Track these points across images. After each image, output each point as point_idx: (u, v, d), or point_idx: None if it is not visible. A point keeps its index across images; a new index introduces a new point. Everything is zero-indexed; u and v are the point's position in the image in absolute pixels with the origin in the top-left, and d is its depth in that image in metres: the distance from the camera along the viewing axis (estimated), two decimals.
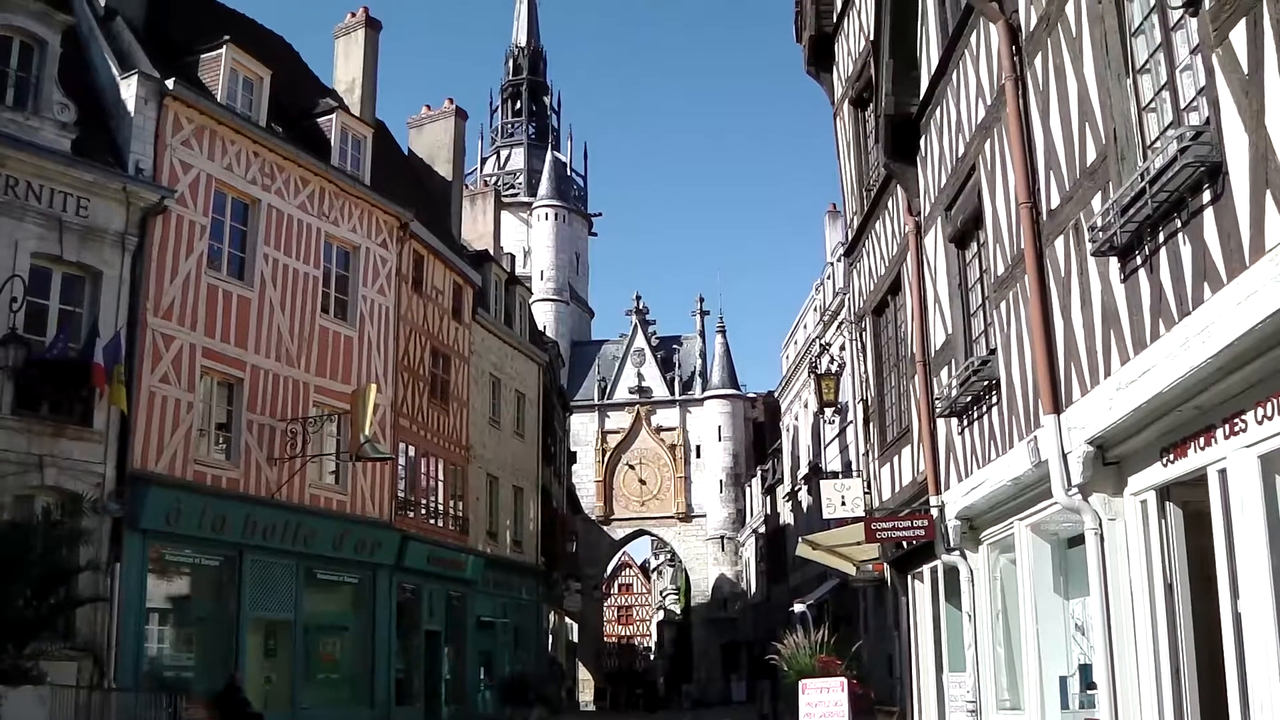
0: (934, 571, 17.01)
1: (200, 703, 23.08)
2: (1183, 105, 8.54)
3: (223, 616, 26.70)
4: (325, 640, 30.96)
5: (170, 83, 25.37)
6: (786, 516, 55.73)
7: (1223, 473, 8.24)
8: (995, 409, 13.14)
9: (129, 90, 24.94)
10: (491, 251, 47.69)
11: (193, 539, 25.58)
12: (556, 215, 79.23)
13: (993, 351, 13.20)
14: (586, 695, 70.11)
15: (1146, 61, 9.19)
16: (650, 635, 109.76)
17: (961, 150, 14.24)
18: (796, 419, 53.62)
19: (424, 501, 35.91)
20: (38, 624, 18.64)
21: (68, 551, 19.91)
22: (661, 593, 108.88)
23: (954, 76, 14.46)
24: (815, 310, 47.86)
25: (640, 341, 77.19)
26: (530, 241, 79.36)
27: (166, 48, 27.11)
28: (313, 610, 29.80)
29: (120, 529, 23.11)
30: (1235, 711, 8.02)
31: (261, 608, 27.69)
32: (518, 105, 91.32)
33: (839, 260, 37.07)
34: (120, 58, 25.54)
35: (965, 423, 14.54)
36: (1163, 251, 8.59)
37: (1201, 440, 8.54)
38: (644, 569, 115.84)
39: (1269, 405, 7.57)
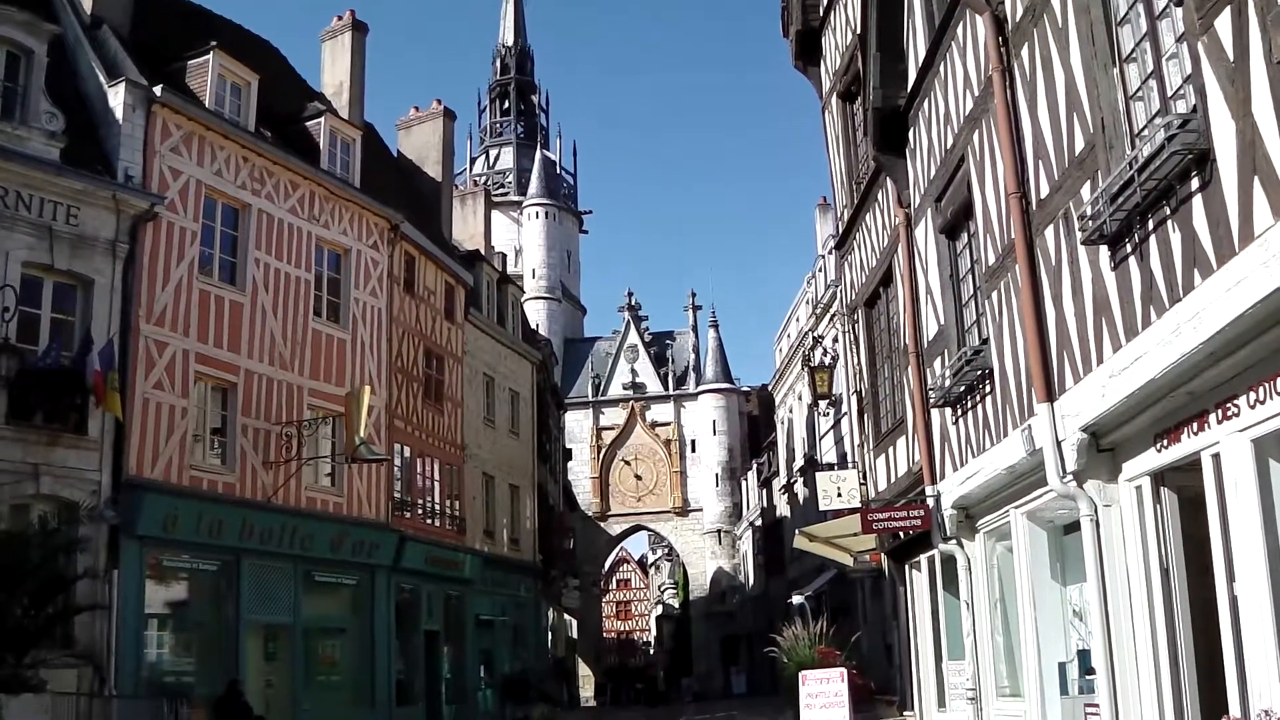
0: (931, 561, 17.06)
1: (201, 708, 23.08)
2: (1169, 93, 8.58)
3: (222, 621, 26.69)
4: (325, 642, 30.97)
5: (158, 90, 25.34)
6: (783, 509, 55.81)
7: (1216, 457, 8.28)
8: (989, 398, 13.19)
9: (117, 98, 24.91)
10: (483, 251, 47.67)
11: (190, 544, 25.55)
12: (547, 214, 79.20)
13: (985, 341, 13.24)
14: (587, 691, 70.13)
15: (1133, 50, 9.23)
16: (649, 630, 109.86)
17: (950, 142, 14.28)
18: (791, 412, 53.69)
19: (420, 502, 35.91)
20: (37, 632, 18.65)
21: (65, 560, 19.93)
22: (660, 587, 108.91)
23: (941, 69, 14.50)
24: (807, 303, 47.92)
25: (633, 337, 77.17)
26: (521, 240, 79.29)
27: (153, 55, 27.06)
28: (312, 613, 29.79)
29: (117, 536, 23.09)
30: (1233, 694, 8.07)
31: (260, 611, 27.68)
32: (506, 105, 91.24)
33: (830, 253, 37.11)
34: (107, 66, 25.50)
35: (959, 412, 14.59)
36: (1152, 239, 8.64)
37: (1194, 425, 8.59)
38: (642, 564, 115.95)
39: (1261, 389, 7.62)
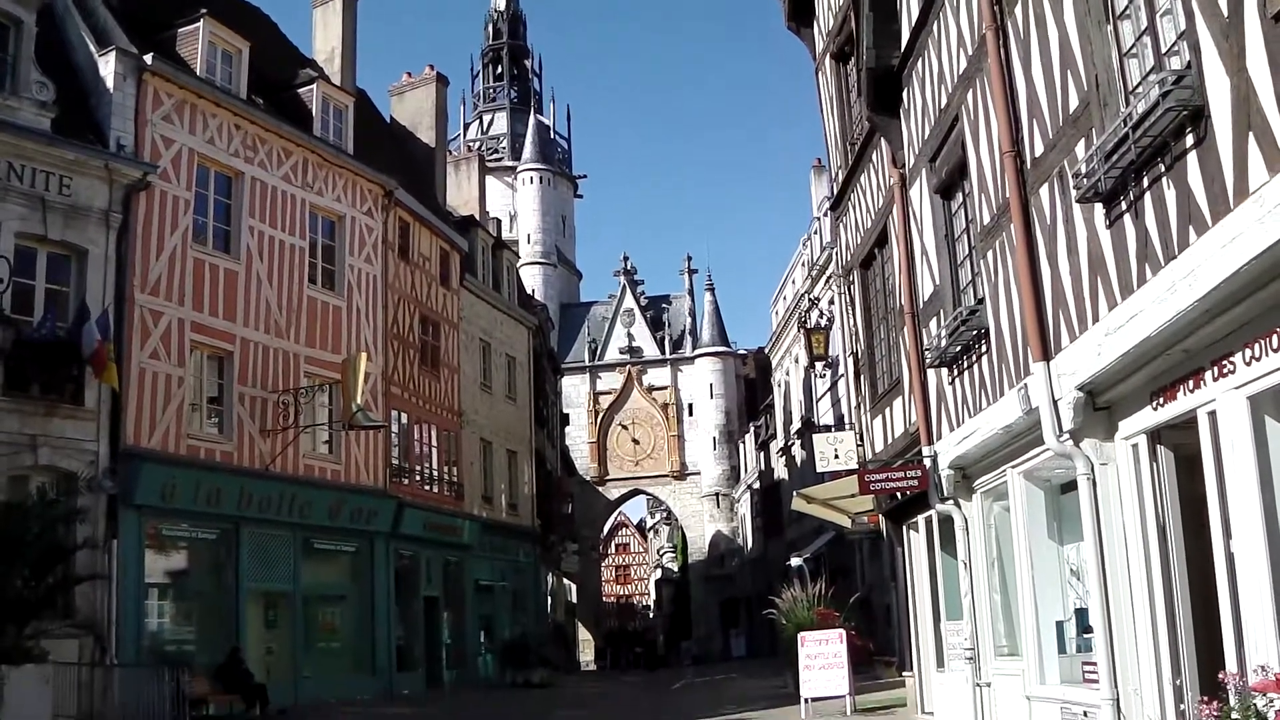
0: (929, 521, 17.09)
1: (203, 676, 23.17)
2: (1164, 50, 8.53)
3: (222, 589, 26.80)
4: (325, 609, 31.09)
5: (149, 58, 25.23)
6: (780, 472, 55.92)
7: (1212, 414, 8.28)
8: (985, 358, 13.19)
9: (107, 67, 24.79)
10: (477, 217, 47.60)
11: (188, 513, 25.63)
12: (541, 179, 78.93)
13: (981, 301, 13.23)
14: (587, 655, 70.35)
15: (1126, 7, 9.18)
16: (649, 594, 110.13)
17: (944, 101, 14.23)
18: (788, 374, 53.73)
19: (418, 468, 35.96)
20: (37, 603, 18.68)
21: (64, 530, 19.97)
22: (659, 551, 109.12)
23: (934, 27, 14.44)
24: (803, 265, 47.91)
25: (629, 302, 77.00)
26: (516, 206, 79.07)
27: (143, 23, 26.89)
28: (311, 580, 29.90)
29: (116, 506, 23.15)
30: (1230, 650, 8.09)
31: (260, 579, 27.79)
32: (499, 70, 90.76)
33: (825, 215, 37.12)
34: (97, 34, 25.38)
35: (955, 372, 14.59)
36: (1147, 196, 8.61)
37: (1190, 383, 8.59)
38: (640, 528, 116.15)
39: (1257, 346, 7.61)
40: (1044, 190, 10.76)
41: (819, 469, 28.15)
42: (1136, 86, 8.93)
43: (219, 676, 23.78)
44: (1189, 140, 7.93)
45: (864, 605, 28.70)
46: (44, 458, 21.93)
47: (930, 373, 15.83)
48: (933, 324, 15.42)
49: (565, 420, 68.64)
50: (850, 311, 24.17)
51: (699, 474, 73.27)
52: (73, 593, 20.77)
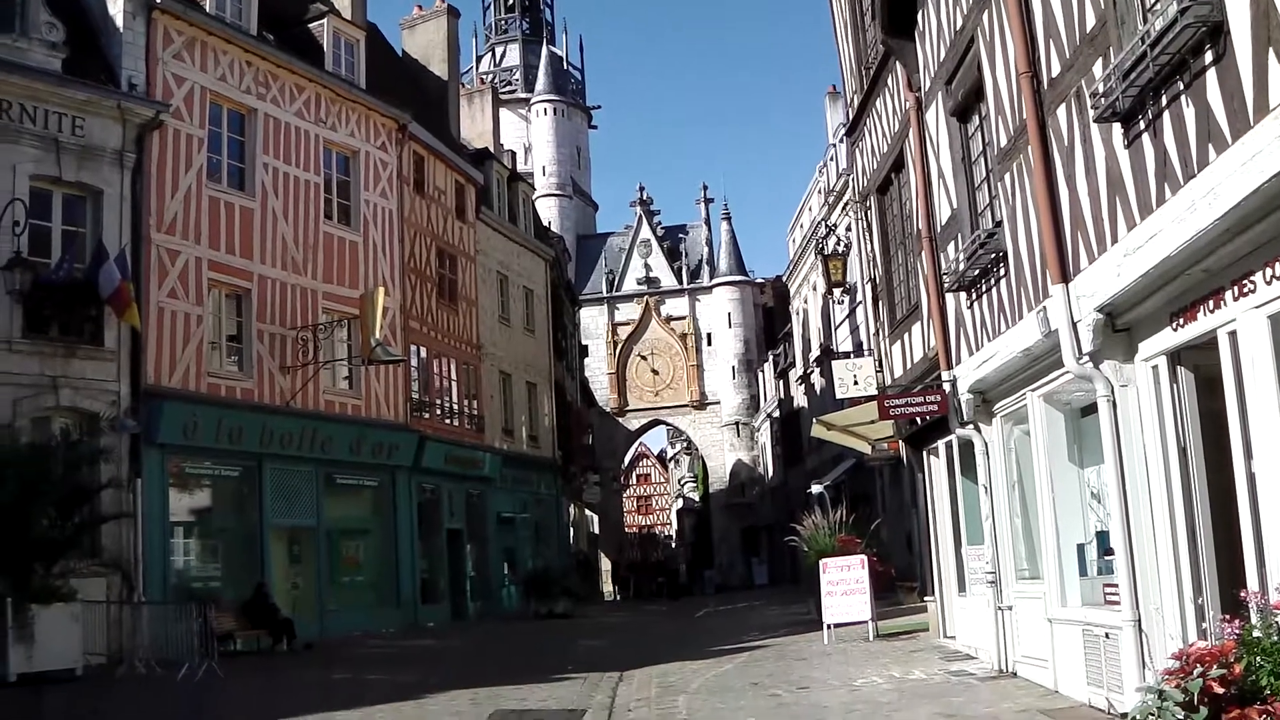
0: (949, 446, 17.07)
1: (229, 611, 23.40)
2: None
3: (246, 526, 27.05)
4: (348, 544, 31.38)
5: None
6: (800, 400, 55.96)
7: (1233, 334, 8.22)
8: (1003, 281, 13.11)
9: (116, 6, 24.67)
10: (492, 150, 47.48)
11: (211, 451, 25.82)
12: (555, 110, 78.53)
13: (998, 224, 13.14)
14: (610, 585, 70.84)
15: None
16: (670, 524, 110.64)
17: (960, 23, 14.07)
18: (806, 302, 53.65)
19: (439, 402, 36.12)
20: (64, 543, 18.90)
21: (88, 470, 20.10)
22: (679, 481, 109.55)
23: None
24: (820, 192, 47.71)
25: (646, 232, 76.80)
26: (530, 138, 78.76)
27: None
28: (334, 515, 30.15)
29: (138, 445, 23.32)
30: (1251, 571, 8.08)
31: (283, 515, 28.03)
32: (509, 1, 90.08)
33: (841, 141, 36.88)
34: None
35: (974, 296, 14.52)
36: (1166, 115, 8.51)
37: (1210, 303, 8.52)
38: (661, 459, 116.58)
39: (1278, 265, 7.54)
40: (1061, 111, 10.65)
41: (838, 395, 28.20)
42: (1154, 4, 8.79)
43: (245, 612, 24.02)
44: (1208, 57, 7.82)
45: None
46: (65, 399, 22.08)
47: (949, 297, 15.76)
48: (950, 248, 15.33)
49: (584, 352, 68.70)
50: (867, 237, 24.08)
51: (718, 403, 73.38)
52: (99, 532, 20.96)
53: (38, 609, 17.71)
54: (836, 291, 38.36)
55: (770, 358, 68.58)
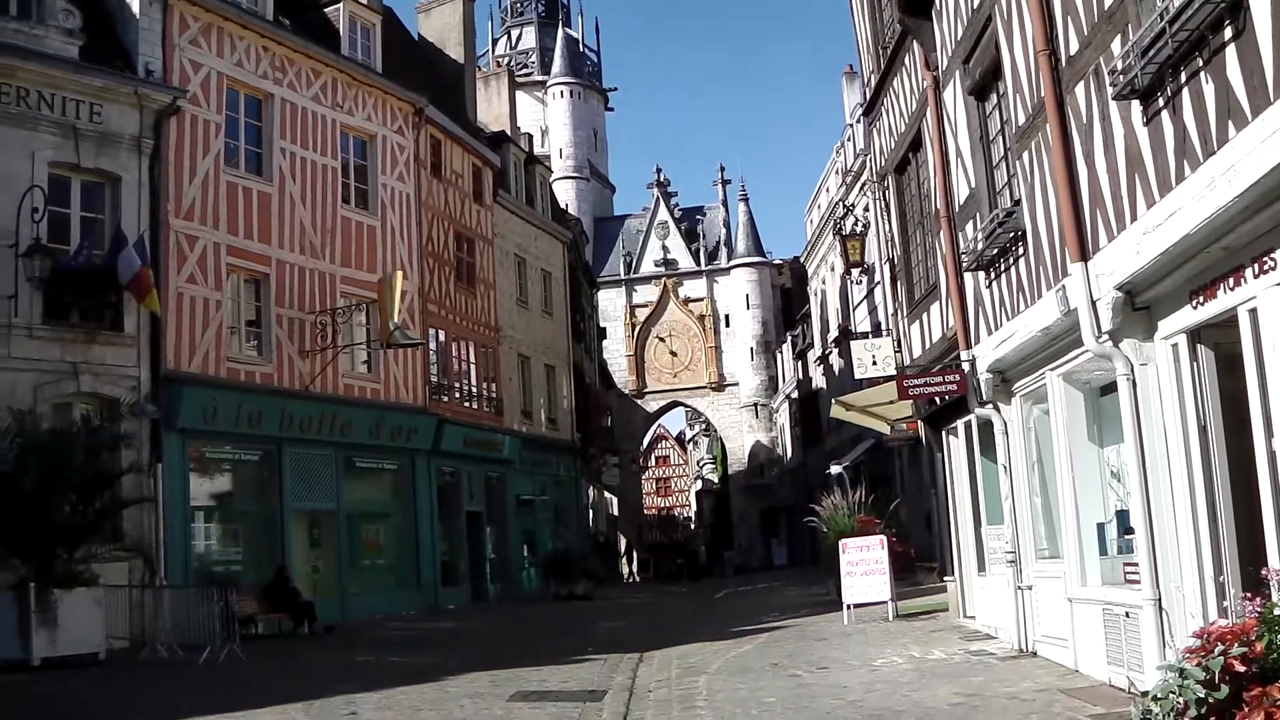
0: (968, 426, 17.05)
1: (250, 595, 23.48)
2: None
3: (266, 509, 27.15)
4: (368, 527, 31.49)
5: None
6: (818, 380, 55.93)
7: (1253, 312, 8.18)
8: (1022, 260, 13.07)
9: None
10: (508, 132, 47.41)
11: (231, 435, 25.93)
12: (571, 93, 78.48)
13: (1017, 203, 13.10)
14: (629, 567, 70.97)
15: None
16: (689, 505, 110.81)
17: (977, 1, 14.01)
18: (824, 283, 53.58)
19: (457, 385, 36.16)
20: (86, 528, 19.01)
21: (109, 456, 20.15)
22: (698, 463, 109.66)
23: None
24: (837, 173, 47.63)
25: (663, 214, 76.74)
26: (547, 120, 78.70)
27: None
28: (354, 498, 30.24)
29: (159, 430, 23.41)
30: (1272, 549, 8.06)
31: (304, 499, 28.13)
32: None
33: (858, 121, 36.78)
34: None
35: (993, 275, 14.48)
36: (1185, 92, 8.47)
37: (1230, 281, 8.48)
38: (680, 440, 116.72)
39: None
40: (1079, 89, 10.61)
41: (857, 376, 28.13)
42: None
43: (267, 595, 24.10)
44: (1227, 33, 7.77)
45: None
46: (86, 385, 22.17)
47: (967, 276, 15.73)
48: (969, 227, 15.29)
49: (602, 334, 68.65)
50: (885, 217, 24.01)
51: (737, 385, 73.39)
52: (120, 517, 21.09)
53: (60, 594, 17.81)
54: (855, 272, 38.32)
55: (788, 338, 68.52)
